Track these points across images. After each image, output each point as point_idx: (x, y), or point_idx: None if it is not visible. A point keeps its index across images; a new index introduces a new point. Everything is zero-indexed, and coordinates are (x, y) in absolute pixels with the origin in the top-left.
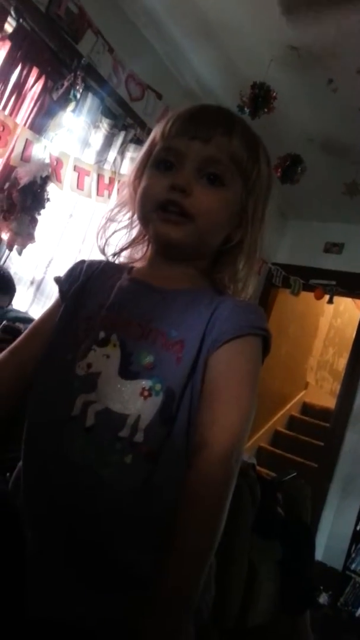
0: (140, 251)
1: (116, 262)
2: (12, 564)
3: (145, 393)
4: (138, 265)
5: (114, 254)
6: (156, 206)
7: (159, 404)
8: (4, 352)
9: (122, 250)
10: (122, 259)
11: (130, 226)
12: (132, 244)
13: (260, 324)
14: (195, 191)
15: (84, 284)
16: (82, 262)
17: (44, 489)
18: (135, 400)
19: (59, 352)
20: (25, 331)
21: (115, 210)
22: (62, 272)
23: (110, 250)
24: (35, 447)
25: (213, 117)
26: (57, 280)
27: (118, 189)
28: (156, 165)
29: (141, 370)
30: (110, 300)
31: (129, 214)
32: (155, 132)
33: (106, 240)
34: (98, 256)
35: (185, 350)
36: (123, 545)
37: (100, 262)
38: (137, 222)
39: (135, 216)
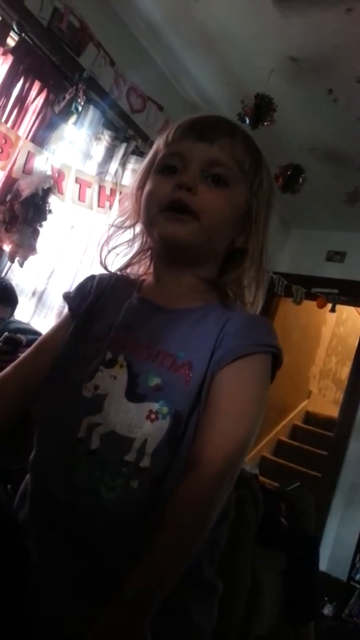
0: (143, 265)
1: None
2: (15, 580)
3: (152, 416)
4: (147, 278)
5: (122, 269)
6: (161, 207)
7: (167, 427)
8: (9, 367)
9: (125, 267)
10: (128, 271)
11: (132, 239)
12: (133, 258)
13: (267, 340)
14: (200, 190)
15: (94, 301)
16: (92, 277)
17: (49, 510)
18: (141, 424)
19: (68, 372)
20: (32, 346)
21: (118, 222)
22: (71, 288)
23: (111, 263)
24: (42, 467)
25: (216, 122)
26: (66, 296)
27: (120, 200)
28: (160, 170)
29: (148, 393)
30: (118, 320)
31: (129, 223)
32: (158, 142)
33: (107, 253)
34: (102, 269)
35: (194, 372)
36: (127, 569)
37: (111, 277)
38: (139, 235)
39: (138, 228)
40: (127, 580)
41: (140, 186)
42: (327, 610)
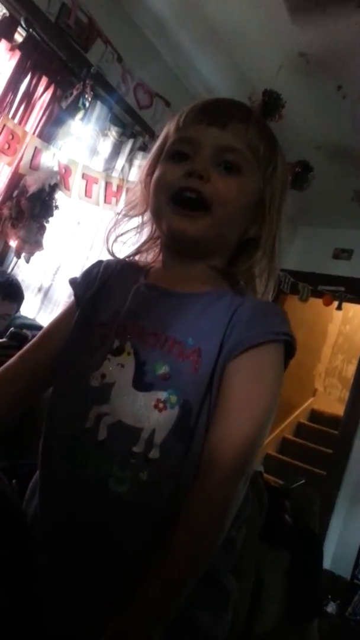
0: (152, 253)
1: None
2: (23, 581)
3: (160, 405)
4: (155, 265)
5: (130, 257)
6: (171, 195)
7: (175, 417)
8: (14, 357)
9: (134, 254)
10: (137, 258)
11: (141, 227)
12: (141, 247)
13: (281, 328)
14: (212, 178)
15: (100, 287)
16: (100, 263)
17: (59, 503)
18: (149, 414)
19: (73, 361)
20: (37, 336)
21: (126, 209)
22: (77, 274)
23: (118, 251)
24: (50, 459)
25: (229, 105)
26: (73, 282)
27: (128, 189)
28: (170, 156)
29: (156, 381)
30: (125, 306)
31: (137, 211)
32: (168, 127)
33: (114, 240)
34: (108, 255)
35: (203, 360)
36: (140, 564)
37: (118, 262)
38: (147, 223)
39: (147, 215)
40: (141, 589)
41: (149, 173)
42: (331, 608)
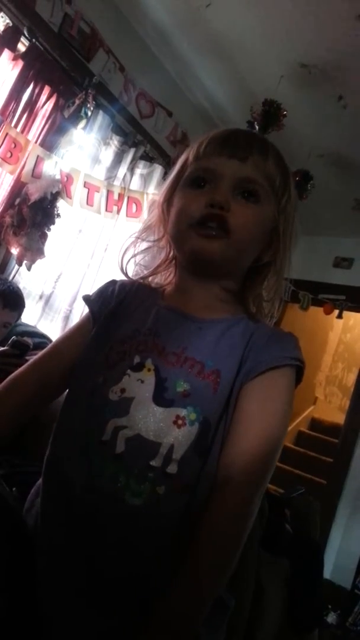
0: (164, 275)
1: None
2: (23, 585)
3: (180, 422)
4: (168, 287)
5: (144, 278)
6: (193, 223)
7: (195, 434)
8: (25, 366)
9: (148, 275)
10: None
11: (156, 248)
12: (157, 269)
13: (296, 354)
14: (232, 208)
15: (117, 305)
16: (114, 282)
17: (65, 514)
18: (168, 429)
19: (89, 374)
20: (49, 346)
21: (143, 234)
22: (78, 292)
23: (130, 271)
24: (59, 470)
25: (248, 138)
26: (87, 299)
27: (149, 208)
28: (189, 184)
29: (176, 398)
30: (145, 325)
31: (155, 236)
32: (187, 154)
33: (128, 261)
34: (113, 273)
35: (222, 380)
36: (152, 576)
37: (132, 283)
38: (163, 245)
39: (164, 238)
40: (165, 603)
41: (167, 198)
42: (331, 618)
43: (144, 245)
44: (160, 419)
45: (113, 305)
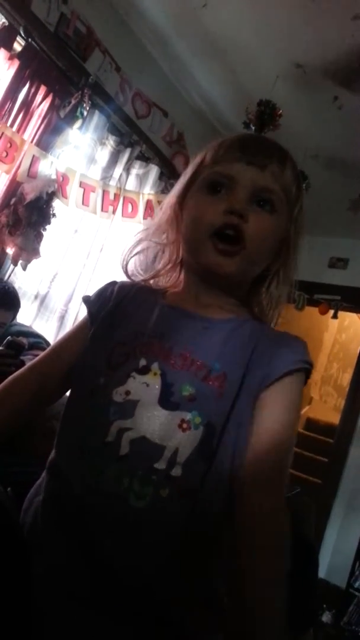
0: (165, 277)
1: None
2: (18, 596)
3: (185, 425)
4: (171, 289)
5: (146, 280)
6: (212, 231)
7: (199, 438)
8: (24, 368)
9: (154, 276)
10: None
11: (163, 249)
12: (161, 270)
13: (308, 357)
14: (250, 217)
15: (116, 306)
16: (114, 283)
17: (66, 515)
18: (173, 432)
19: (90, 376)
20: (48, 348)
21: (150, 232)
22: (74, 292)
23: (131, 269)
24: (60, 470)
25: (269, 146)
26: (86, 300)
27: (161, 208)
28: (206, 188)
29: (182, 402)
30: (150, 326)
31: (165, 238)
32: (202, 156)
33: (129, 260)
34: (109, 273)
35: (228, 384)
36: (154, 579)
37: (132, 284)
38: (171, 245)
39: (172, 239)
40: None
41: (180, 200)
42: (326, 617)
43: (147, 244)
44: (166, 422)
45: (111, 306)
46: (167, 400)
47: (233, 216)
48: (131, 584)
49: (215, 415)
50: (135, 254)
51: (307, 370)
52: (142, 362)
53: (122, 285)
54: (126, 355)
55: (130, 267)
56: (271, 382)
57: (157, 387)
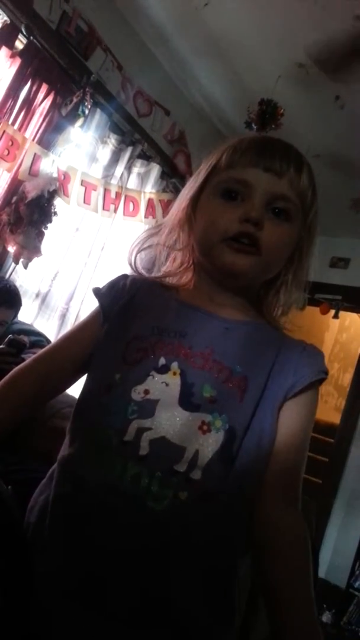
0: (179, 277)
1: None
2: (19, 587)
3: (205, 427)
4: (183, 287)
5: (158, 278)
6: (226, 237)
7: (221, 441)
8: (29, 360)
9: (167, 275)
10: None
11: (174, 251)
12: (174, 271)
13: (325, 366)
14: (265, 225)
15: (130, 299)
16: (125, 276)
17: (78, 514)
18: (194, 434)
19: (105, 371)
20: (56, 340)
21: (160, 232)
22: (75, 291)
23: (139, 264)
24: (73, 469)
25: (286, 152)
26: (97, 292)
27: (169, 208)
28: (220, 194)
29: (203, 403)
30: (168, 323)
31: (175, 238)
32: (216, 158)
33: (136, 255)
34: (110, 271)
35: (250, 389)
36: (169, 586)
37: (144, 278)
38: (184, 249)
39: (185, 242)
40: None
41: (193, 203)
42: (326, 617)
43: (157, 245)
44: (186, 423)
45: (125, 300)
46: (187, 401)
47: (249, 224)
48: (144, 586)
49: (236, 420)
50: (143, 249)
51: (325, 379)
52: (162, 361)
53: (134, 279)
54: (144, 351)
55: (138, 262)
56: (296, 392)
57: (177, 387)
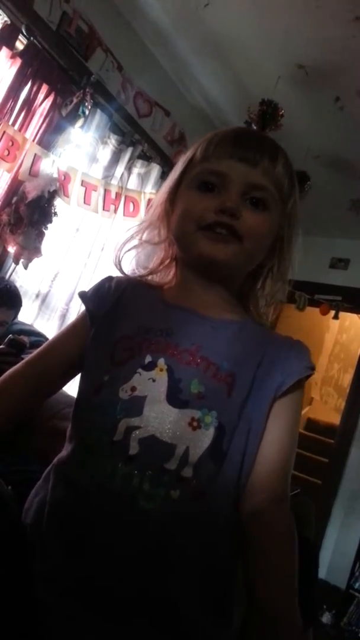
0: (161, 274)
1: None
2: (18, 586)
3: (195, 424)
4: (166, 286)
5: (142, 276)
6: (202, 226)
7: (211, 438)
8: (20, 364)
9: (150, 273)
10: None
11: (152, 246)
12: (156, 268)
13: (312, 362)
14: (243, 215)
15: (115, 302)
16: (110, 278)
17: (73, 516)
18: (183, 431)
19: (94, 374)
20: (44, 344)
21: (142, 229)
22: (76, 290)
23: (126, 267)
24: (66, 471)
25: (259, 141)
26: (83, 296)
27: (149, 205)
28: (197, 186)
29: (191, 399)
30: (154, 323)
31: (155, 234)
32: (192, 152)
33: (122, 256)
34: (110, 272)
35: (237, 385)
36: (167, 586)
37: (129, 279)
38: (164, 243)
39: (164, 236)
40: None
41: (171, 197)
42: (326, 618)
43: (139, 242)
44: (175, 420)
45: (112, 303)
46: (175, 397)
47: (225, 215)
48: (142, 586)
49: (225, 416)
50: (127, 250)
51: (311, 375)
52: (148, 359)
53: (119, 281)
54: (130, 351)
55: (124, 263)
56: (285, 390)
57: (164, 382)
